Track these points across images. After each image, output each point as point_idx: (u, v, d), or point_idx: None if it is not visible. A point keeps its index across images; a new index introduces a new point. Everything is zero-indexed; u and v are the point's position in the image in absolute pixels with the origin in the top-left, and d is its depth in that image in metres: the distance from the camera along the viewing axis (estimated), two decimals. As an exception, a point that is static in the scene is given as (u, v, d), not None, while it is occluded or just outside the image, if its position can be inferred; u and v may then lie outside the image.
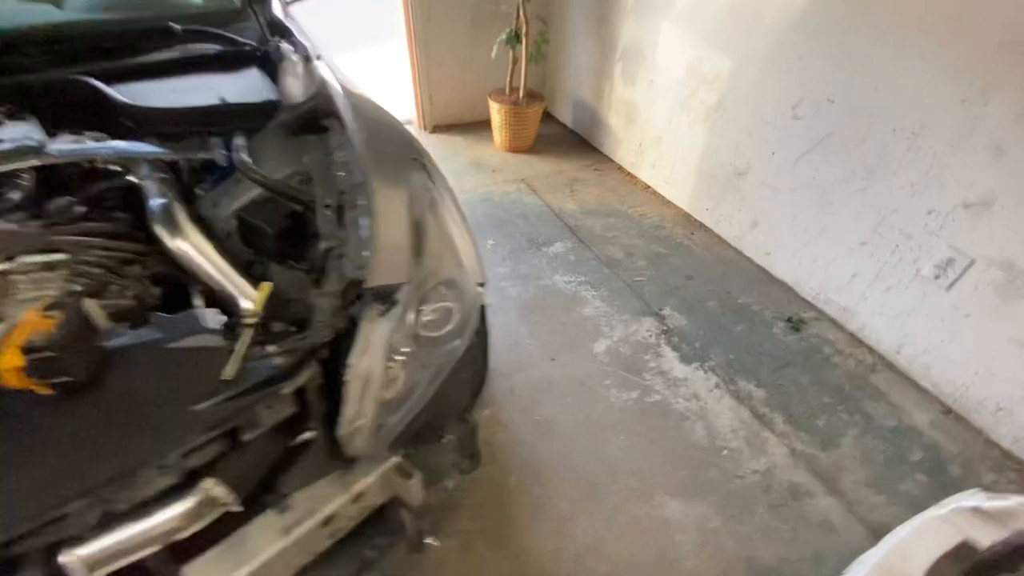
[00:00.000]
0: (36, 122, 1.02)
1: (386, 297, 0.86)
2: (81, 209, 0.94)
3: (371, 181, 0.95)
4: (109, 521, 0.63)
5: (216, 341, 0.78)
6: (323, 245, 0.93)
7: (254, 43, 1.37)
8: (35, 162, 0.93)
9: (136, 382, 0.72)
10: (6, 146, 0.92)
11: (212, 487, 0.70)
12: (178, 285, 0.94)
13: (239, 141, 1.09)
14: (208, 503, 0.71)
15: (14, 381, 0.62)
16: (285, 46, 1.32)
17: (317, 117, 1.12)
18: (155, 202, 0.96)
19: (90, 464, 0.64)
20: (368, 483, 0.88)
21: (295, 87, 1.20)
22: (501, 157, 3.12)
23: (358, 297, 0.86)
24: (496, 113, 3.02)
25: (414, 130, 3.35)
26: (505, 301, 2.05)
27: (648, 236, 2.47)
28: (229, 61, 1.33)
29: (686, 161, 2.53)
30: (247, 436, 0.73)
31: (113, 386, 0.70)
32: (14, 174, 0.94)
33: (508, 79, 2.97)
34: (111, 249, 0.93)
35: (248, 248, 1.02)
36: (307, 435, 0.82)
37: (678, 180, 2.64)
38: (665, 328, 1.97)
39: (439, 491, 1.23)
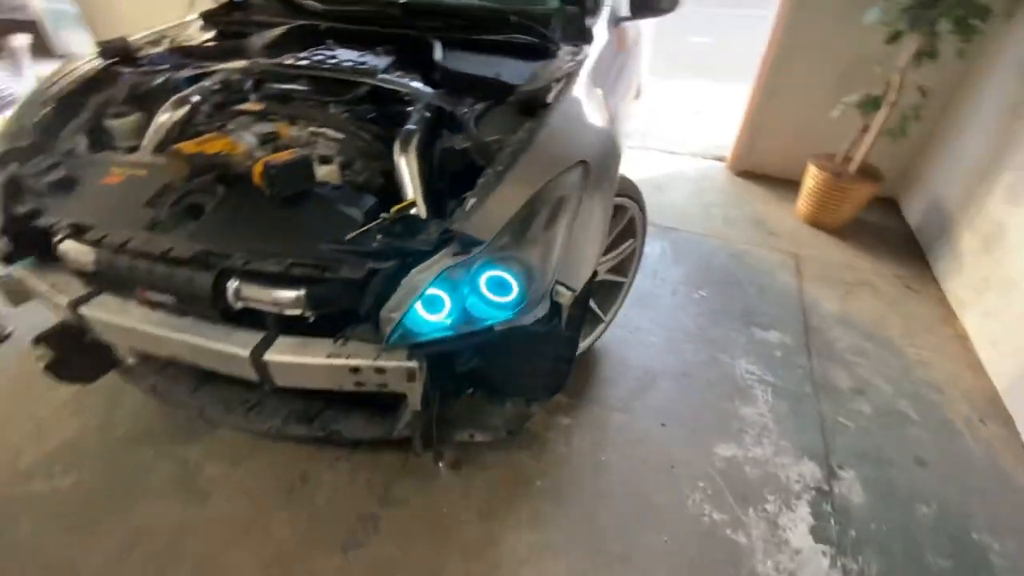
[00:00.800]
0: (389, 59, 1.58)
1: (466, 244, 1.06)
2: (372, 114, 1.45)
3: (519, 163, 1.14)
4: (246, 276, 1.07)
5: (358, 216, 1.13)
6: (468, 194, 1.18)
7: (555, 42, 1.67)
8: (368, 80, 1.47)
9: (305, 213, 1.14)
10: (363, 66, 1.48)
11: (300, 293, 1.07)
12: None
13: (478, 106, 1.42)
14: (295, 303, 1.08)
15: (256, 179, 1.11)
16: (565, 48, 1.59)
17: (535, 105, 1.35)
18: (407, 127, 1.38)
19: (255, 236, 1.09)
20: (388, 365, 1.13)
21: (543, 79, 1.45)
22: (793, 225, 2.74)
23: (450, 235, 1.08)
24: (811, 178, 2.65)
25: (721, 169, 3.25)
26: (668, 353, 1.93)
27: (904, 388, 1.84)
28: (530, 51, 1.68)
29: (1037, 329, 1.73)
30: (326, 274, 1.07)
31: (295, 207, 1.13)
32: (358, 84, 1.51)
33: (847, 147, 2.55)
34: (371, 145, 1.42)
35: (443, 177, 1.36)
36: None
37: (1009, 348, 1.82)
38: (824, 488, 1.51)
39: (465, 433, 1.38)
